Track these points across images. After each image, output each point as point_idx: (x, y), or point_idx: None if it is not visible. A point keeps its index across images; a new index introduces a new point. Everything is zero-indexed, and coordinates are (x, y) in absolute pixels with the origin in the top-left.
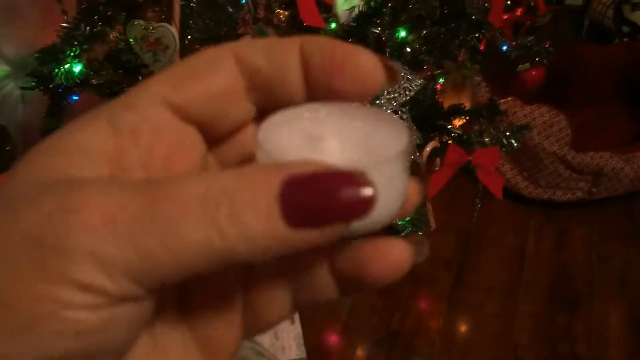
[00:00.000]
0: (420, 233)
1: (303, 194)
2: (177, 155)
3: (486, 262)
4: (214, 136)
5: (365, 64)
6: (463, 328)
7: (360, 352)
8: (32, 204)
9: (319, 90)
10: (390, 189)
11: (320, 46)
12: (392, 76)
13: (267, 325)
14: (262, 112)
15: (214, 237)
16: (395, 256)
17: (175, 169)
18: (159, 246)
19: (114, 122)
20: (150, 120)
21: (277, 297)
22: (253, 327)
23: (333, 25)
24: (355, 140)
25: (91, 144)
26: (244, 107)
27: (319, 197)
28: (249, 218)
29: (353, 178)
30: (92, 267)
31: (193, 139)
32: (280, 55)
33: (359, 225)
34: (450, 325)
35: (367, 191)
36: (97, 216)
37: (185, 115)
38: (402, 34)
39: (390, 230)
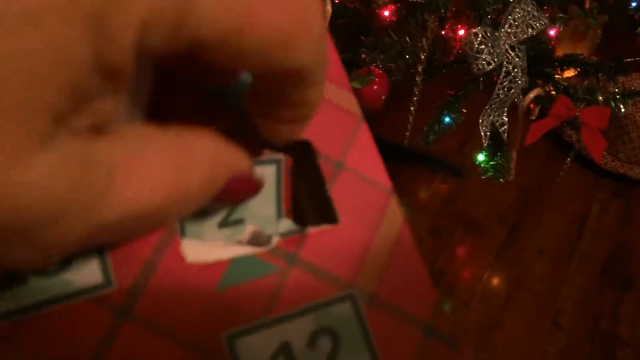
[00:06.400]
0: (502, 180)
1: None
2: None
3: (543, 224)
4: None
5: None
6: (507, 283)
7: None
8: None
9: None
10: None
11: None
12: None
13: None
14: None
15: None
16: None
17: None
18: None
19: None
20: None
21: None
22: None
23: None
24: None
25: None
26: None
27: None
28: None
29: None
30: None
31: None
32: None
33: None
34: (495, 278)
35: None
36: None
37: None
38: None
39: (474, 168)
